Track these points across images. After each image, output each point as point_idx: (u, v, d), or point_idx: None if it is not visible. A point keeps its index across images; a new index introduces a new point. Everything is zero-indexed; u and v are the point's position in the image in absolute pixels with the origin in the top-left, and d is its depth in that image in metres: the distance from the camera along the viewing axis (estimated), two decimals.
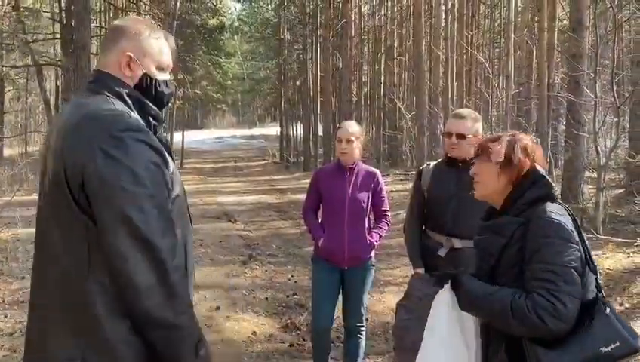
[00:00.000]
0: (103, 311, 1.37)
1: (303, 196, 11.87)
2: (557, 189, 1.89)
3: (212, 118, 53.47)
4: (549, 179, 1.83)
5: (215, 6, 26.50)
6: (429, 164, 3.10)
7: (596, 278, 1.71)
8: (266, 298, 5.33)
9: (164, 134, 1.63)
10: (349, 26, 18.05)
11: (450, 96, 14.33)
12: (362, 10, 25.01)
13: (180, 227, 1.49)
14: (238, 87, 45.36)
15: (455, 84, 15.52)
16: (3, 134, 20.42)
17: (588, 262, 1.68)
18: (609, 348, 1.57)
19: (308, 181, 3.69)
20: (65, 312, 1.41)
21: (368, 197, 3.27)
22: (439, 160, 3.11)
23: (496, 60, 21.43)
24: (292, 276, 6.12)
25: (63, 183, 1.37)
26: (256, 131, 44.10)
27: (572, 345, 1.59)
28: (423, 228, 3.02)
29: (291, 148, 27.13)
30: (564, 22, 14.60)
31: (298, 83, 27.52)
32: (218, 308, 4.97)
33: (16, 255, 6.66)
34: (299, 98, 27.65)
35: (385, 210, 3.35)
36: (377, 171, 3.42)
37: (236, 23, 36.55)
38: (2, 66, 18.02)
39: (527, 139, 1.83)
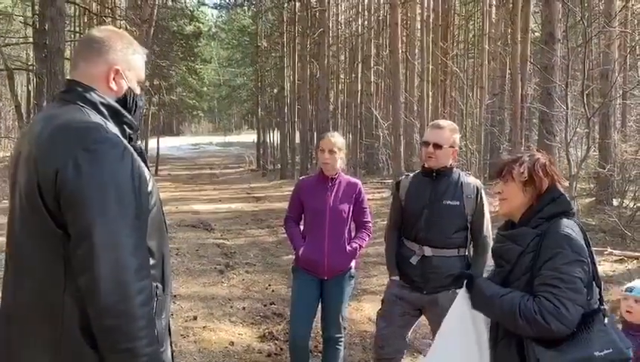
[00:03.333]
0: (79, 325, 1.36)
1: (280, 204, 11.83)
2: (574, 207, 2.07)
3: (188, 125, 53.09)
4: (567, 197, 2.02)
5: (192, 12, 26.34)
6: (408, 175, 3.15)
7: (600, 291, 1.89)
8: (244, 307, 5.29)
9: (139, 143, 1.62)
10: (326, 34, 18.15)
11: (425, 105, 14.53)
12: (340, 19, 25.21)
13: (155, 239, 1.49)
14: (214, 94, 45.11)
15: (431, 93, 15.74)
16: None
17: (594, 277, 1.86)
18: (602, 353, 1.73)
19: (286, 189, 3.72)
20: (40, 325, 1.40)
21: (349, 208, 3.29)
22: (417, 171, 3.15)
23: (470, 71, 21.82)
24: (270, 285, 6.10)
25: (35, 194, 1.36)
26: (233, 138, 43.95)
27: (569, 346, 1.74)
28: (401, 237, 3.06)
29: (268, 155, 27.09)
30: (537, 34, 14.95)
31: (275, 90, 27.54)
32: (195, 318, 4.92)
33: None
34: (276, 105, 27.67)
35: (366, 221, 3.37)
36: (359, 182, 3.44)
37: (213, 30, 36.43)
38: None
39: (544, 158, 2.01)
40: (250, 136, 36.78)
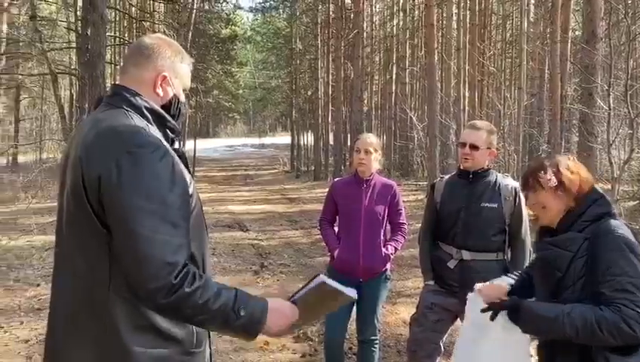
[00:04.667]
0: (123, 323, 1.39)
1: (313, 205, 11.85)
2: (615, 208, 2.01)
3: (224, 127, 53.77)
4: (608, 198, 1.96)
5: (228, 16, 26.71)
6: (443, 178, 3.12)
7: None
8: None
9: (182, 147, 1.65)
10: (360, 35, 18.12)
11: (462, 106, 14.32)
12: (374, 20, 25.13)
13: (196, 240, 1.51)
14: (249, 96, 45.63)
15: (467, 94, 15.51)
16: (18, 141, 20.69)
17: None
18: None
19: (319, 190, 3.73)
20: (85, 322, 1.43)
21: (385, 210, 3.28)
22: (453, 173, 3.12)
23: (508, 71, 21.41)
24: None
25: (82, 195, 1.39)
26: (267, 140, 44.29)
27: None
28: (436, 240, 3.03)
29: (302, 157, 27.19)
30: (577, 33, 14.56)
31: (309, 92, 27.63)
32: None
33: (31, 262, 6.74)
34: (310, 107, 27.75)
35: (401, 223, 3.35)
36: (394, 183, 3.43)
37: (249, 33, 36.82)
38: (19, 75, 18.29)
39: (565, 159, 1.97)
40: (284, 138, 37.02)
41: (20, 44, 18.83)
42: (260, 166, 29.39)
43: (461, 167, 2.94)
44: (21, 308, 5.08)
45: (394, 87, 22.28)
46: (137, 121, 1.48)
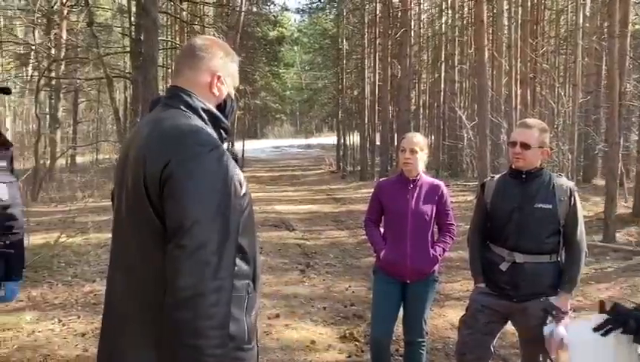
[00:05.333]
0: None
1: (359, 206, 11.79)
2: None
3: (271, 128, 54.41)
4: None
5: (276, 18, 27.02)
6: (493, 177, 3.03)
7: None
8: (324, 307, 5.34)
9: (234, 148, 1.68)
10: (408, 34, 17.93)
11: (513, 104, 13.92)
12: (422, 18, 24.81)
13: (247, 238, 1.53)
14: (296, 97, 46.00)
15: (519, 92, 15.07)
16: (76, 143, 21.60)
17: None
18: None
19: (365, 190, 3.70)
20: (144, 324, 1.44)
21: (432, 210, 3.22)
22: (504, 172, 3.03)
23: (562, 68, 20.67)
24: (350, 286, 6.11)
25: (142, 192, 1.42)
26: (314, 140, 44.45)
27: None
28: (486, 241, 2.95)
29: (348, 157, 27.16)
30: (638, 27, 13.88)
31: (356, 92, 27.58)
32: (277, 315, 5.03)
33: (87, 259, 7.02)
34: (356, 107, 27.70)
35: (450, 224, 3.29)
36: (442, 183, 3.36)
37: (296, 34, 37.12)
38: (77, 79, 19.11)
39: None
40: (330, 139, 37.06)
41: (78, 49, 19.69)
42: (306, 166, 29.55)
43: (513, 167, 2.86)
44: (78, 302, 5.29)
45: (442, 86, 21.93)
46: (195, 121, 1.52)
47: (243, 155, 25.09)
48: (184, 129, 1.47)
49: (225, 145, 1.62)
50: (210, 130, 1.54)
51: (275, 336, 4.54)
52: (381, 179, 3.70)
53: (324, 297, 5.71)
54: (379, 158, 20.95)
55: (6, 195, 2.55)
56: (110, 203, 1.71)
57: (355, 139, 27.87)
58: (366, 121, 23.55)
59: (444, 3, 23.11)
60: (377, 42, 22.30)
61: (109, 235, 1.60)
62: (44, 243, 7.48)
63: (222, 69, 1.63)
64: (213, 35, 18.19)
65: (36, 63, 18.13)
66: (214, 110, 1.60)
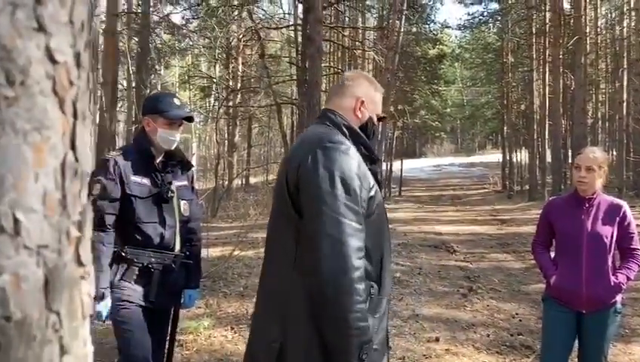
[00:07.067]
0: (303, 303, 1.55)
1: (527, 228, 11.01)
2: None
3: (430, 146, 53.67)
4: None
5: (436, 36, 26.73)
6: None
7: None
8: (488, 334, 5.04)
9: (377, 167, 1.82)
10: (582, 42, 16.43)
11: None
12: (598, 23, 22.61)
13: (373, 240, 1.65)
14: (457, 114, 44.82)
15: None
16: (250, 165, 23.57)
17: None
18: None
19: (534, 211, 3.43)
20: (272, 301, 1.66)
21: (612, 233, 2.86)
22: None
23: None
24: (517, 314, 5.69)
25: (283, 187, 1.66)
26: (476, 158, 42.77)
27: None
28: None
29: (515, 175, 25.57)
30: None
31: (523, 106, 25.97)
32: (437, 339, 4.87)
33: (257, 272, 7.53)
34: (523, 122, 26.06)
35: (634, 249, 2.89)
36: (624, 203, 2.98)
37: (457, 51, 36.32)
38: (251, 107, 20.94)
39: None
40: (493, 156, 35.35)
41: (252, 79, 21.56)
42: (468, 186, 28.48)
43: None
44: (248, 312, 5.70)
45: (625, 96, 19.63)
46: (336, 134, 1.73)
47: (402, 175, 25.06)
48: (322, 132, 1.73)
49: (372, 164, 1.78)
50: (349, 143, 1.71)
51: (436, 361, 4.39)
52: (551, 197, 3.40)
53: (488, 324, 5.39)
54: (550, 177, 19.36)
55: (187, 211, 2.86)
56: None
57: (522, 156, 26.23)
58: (535, 137, 22.02)
59: (625, 5, 20.80)
60: (547, 53, 20.83)
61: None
62: (221, 255, 8.24)
63: (365, 96, 1.86)
64: (373, 58, 18.62)
65: (217, 94, 20.28)
66: (355, 127, 1.80)
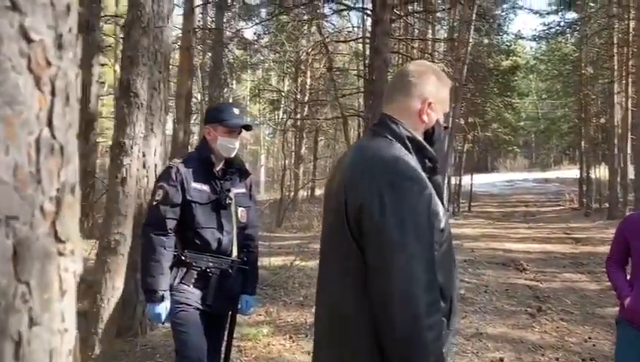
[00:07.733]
0: (365, 345, 1.44)
1: (604, 248, 10.41)
2: None
3: (502, 161, 51.89)
4: None
5: (509, 47, 25.93)
6: None
7: None
8: (557, 358, 4.76)
9: (439, 177, 1.65)
10: None
11: None
12: None
13: (443, 274, 1.48)
14: (531, 128, 43.13)
15: None
16: (315, 176, 23.77)
17: None
18: None
19: (611, 231, 3.21)
20: (334, 339, 1.53)
21: None
22: None
23: None
24: (590, 338, 5.35)
25: (343, 219, 1.47)
26: (551, 174, 40.88)
27: None
28: None
29: (593, 192, 24.17)
30: None
31: (602, 120, 24.60)
32: (501, 360, 4.66)
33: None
34: (603, 136, 24.65)
35: None
36: None
37: (532, 62, 35.04)
38: (318, 119, 21.16)
39: None
40: (570, 172, 33.62)
41: (319, 92, 21.82)
42: (542, 202, 27.24)
43: None
44: (307, 322, 5.71)
45: None
46: (398, 150, 1.52)
47: (472, 190, 24.37)
48: (387, 159, 1.48)
49: (435, 174, 1.61)
50: (413, 159, 1.53)
51: None
52: (630, 213, 3.17)
53: (557, 347, 5.09)
54: (632, 194, 18.16)
55: (245, 218, 2.92)
56: None
57: (601, 172, 24.79)
58: (616, 152, 20.75)
59: None
60: (630, 63, 19.66)
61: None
62: (283, 264, 8.33)
63: (433, 96, 1.61)
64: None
65: (285, 107, 20.69)
66: (420, 139, 1.59)
